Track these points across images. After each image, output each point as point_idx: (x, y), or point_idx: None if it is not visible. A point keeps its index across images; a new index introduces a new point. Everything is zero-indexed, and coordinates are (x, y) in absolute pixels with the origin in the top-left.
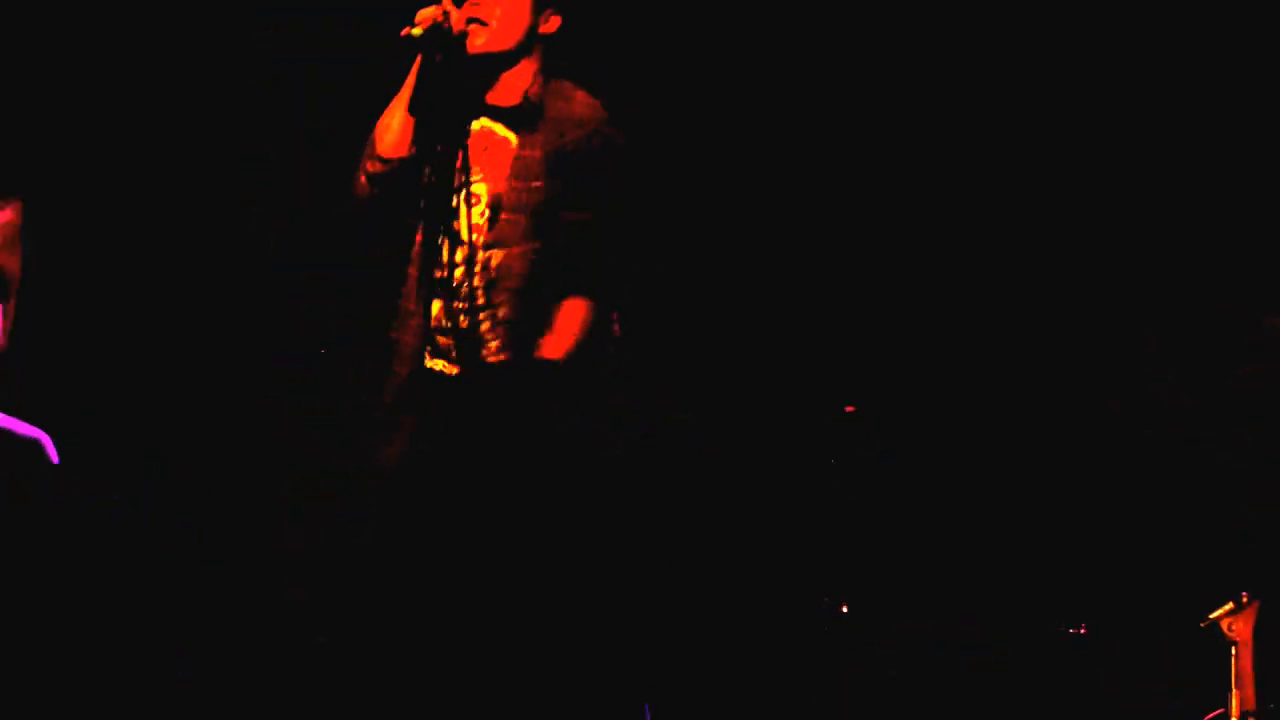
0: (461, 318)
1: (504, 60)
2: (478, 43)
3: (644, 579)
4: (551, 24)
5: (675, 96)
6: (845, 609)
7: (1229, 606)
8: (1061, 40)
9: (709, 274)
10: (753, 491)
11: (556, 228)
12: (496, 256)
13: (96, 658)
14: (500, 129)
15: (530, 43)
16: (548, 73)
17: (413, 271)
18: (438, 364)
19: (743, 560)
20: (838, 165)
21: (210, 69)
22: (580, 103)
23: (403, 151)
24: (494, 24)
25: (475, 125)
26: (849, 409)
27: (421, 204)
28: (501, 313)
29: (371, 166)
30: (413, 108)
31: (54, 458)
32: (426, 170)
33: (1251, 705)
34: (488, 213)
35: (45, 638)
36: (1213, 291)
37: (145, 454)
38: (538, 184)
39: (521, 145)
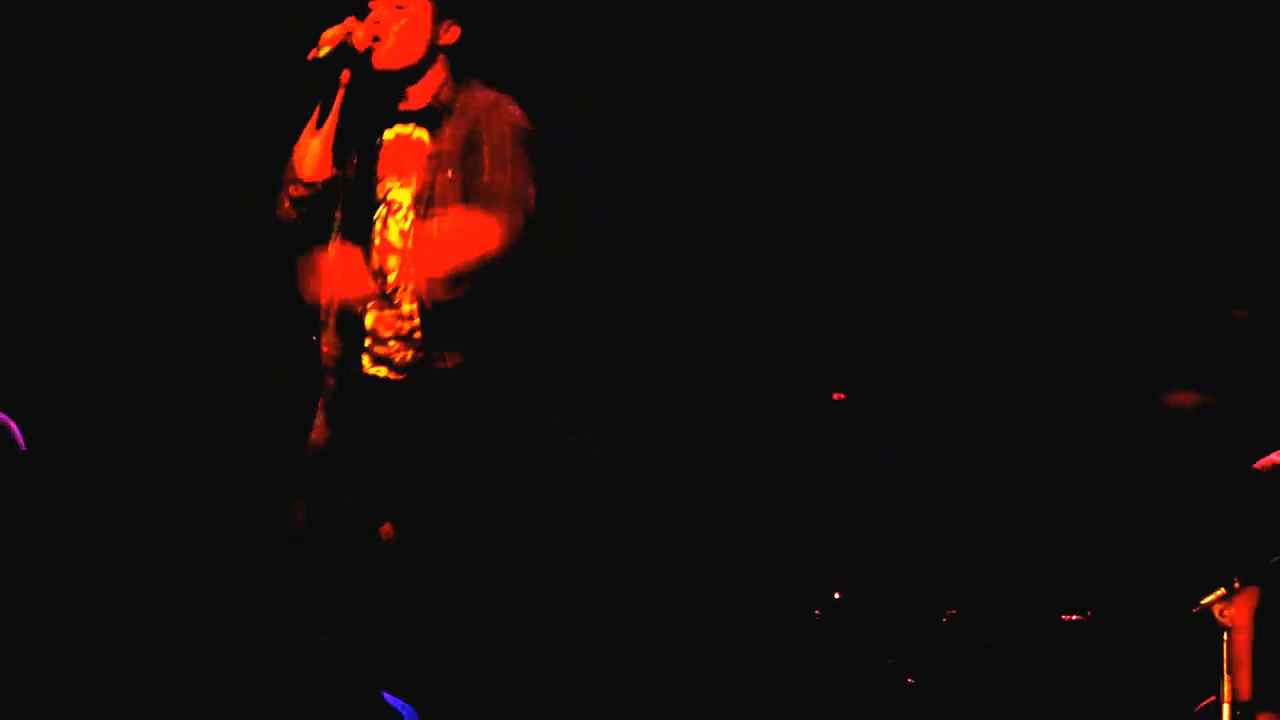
0: (401, 324)
1: (407, 74)
2: (380, 58)
3: (642, 577)
4: (452, 34)
5: (660, 92)
6: (838, 596)
7: (1220, 592)
8: (1061, 39)
9: (707, 274)
10: (751, 489)
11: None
12: None
13: (96, 657)
14: (415, 131)
15: (432, 54)
16: (454, 79)
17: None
18: (380, 370)
19: (741, 558)
20: (835, 163)
21: (209, 69)
22: (483, 93)
23: (325, 173)
24: (393, 39)
25: (389, 134)
26: (838, 395)
27: (338, 218)
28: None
29: (295, 191)
30: (338, 129)
31: (21, 443)
32: (341, 183)
33: (1246, 693)
34: (412, 215)
35: (44, 637)
36: (1213, 291)
37: (144, 453)
38: (453, 174)
39: (436, 140)
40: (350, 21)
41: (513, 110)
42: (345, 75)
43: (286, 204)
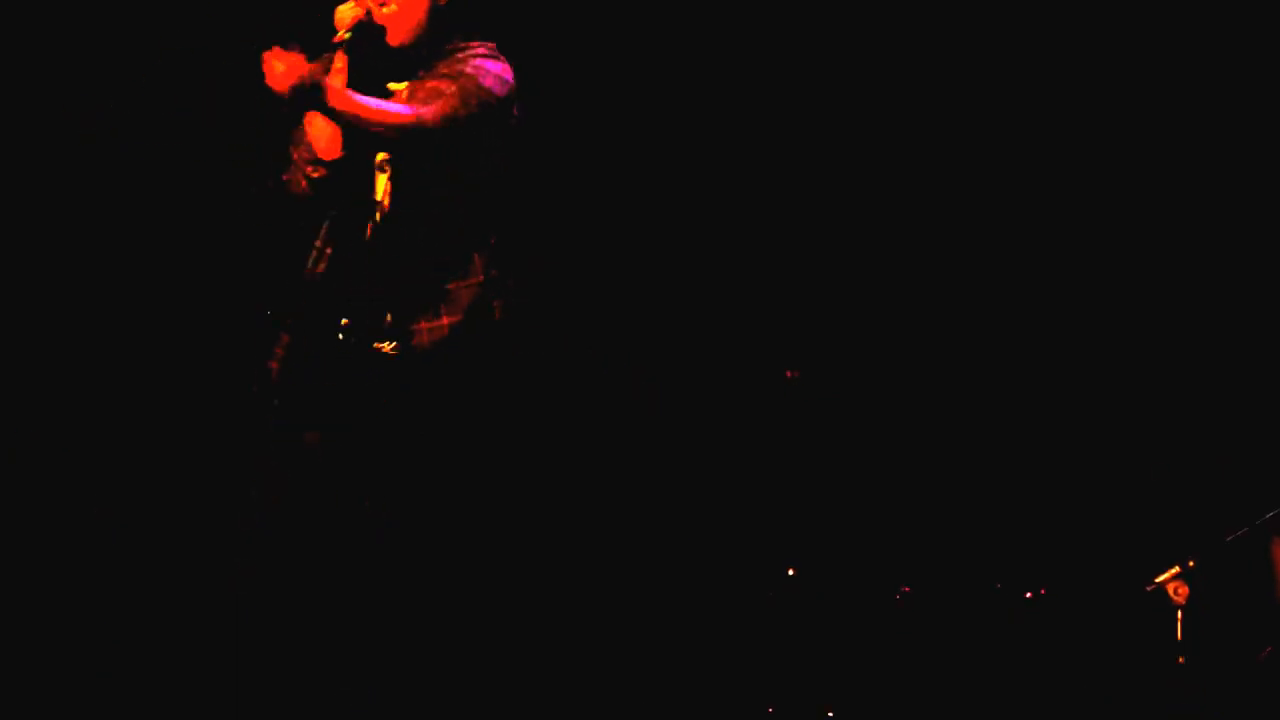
0: (379, 288)
1: (418, 43)
2: (390, 36)
3: (597, 557)
4: None
5: (621, 78)
6: (792, 573)
7: (1175, 570)
8: (1044, 33)
9: (663, 253)
10: (704, 467)
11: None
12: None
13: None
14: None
15: (433, 18)
16: (447, 37)
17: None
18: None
19: (695, 536)
20: (784, 142)
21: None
22: (477, 46)
23: (339, 151)
24: (397, 12)
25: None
26: (790, 374)
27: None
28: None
29: (315, 172)
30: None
31: None
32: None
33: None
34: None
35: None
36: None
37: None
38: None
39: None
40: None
41: (481, 50)
42: (340, 56)
43: (304, 184)
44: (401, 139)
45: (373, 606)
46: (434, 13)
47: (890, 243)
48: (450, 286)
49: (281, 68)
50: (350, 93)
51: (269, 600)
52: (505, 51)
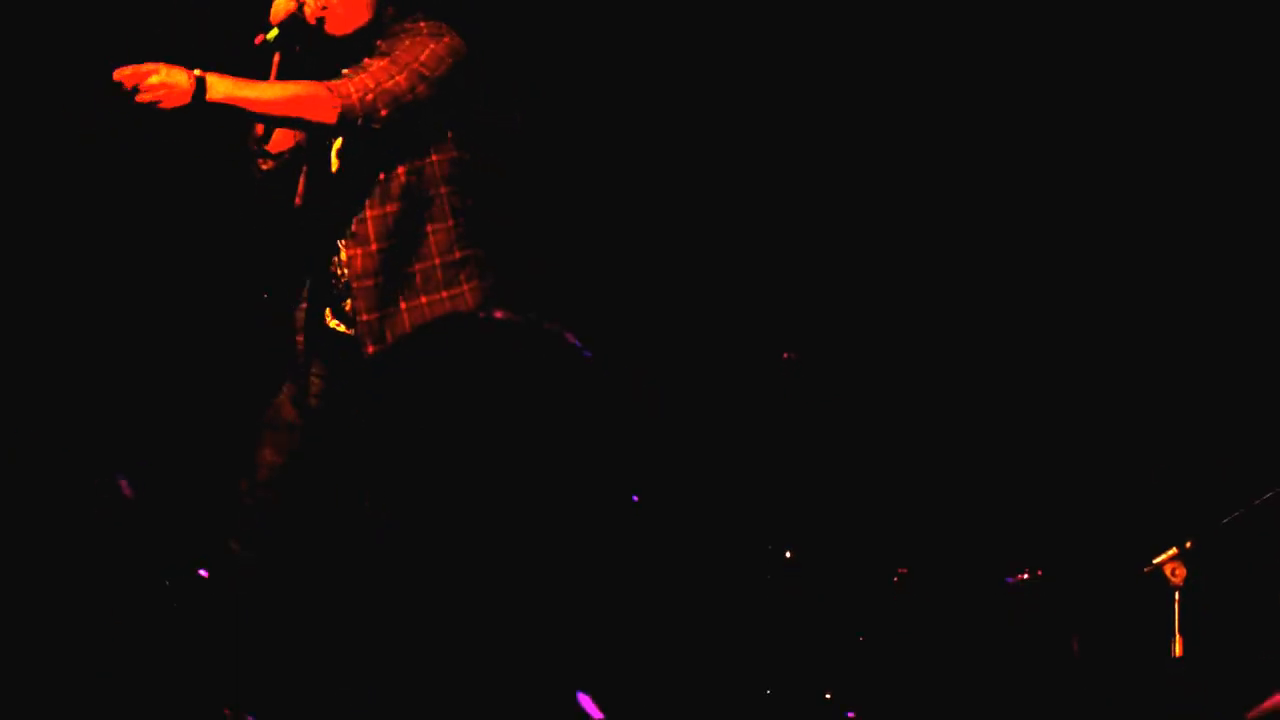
0: (343, 271)
1: (366, 31)
2: (332, 25)
3: (594, 542)
4: None
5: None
6: (789, 555)
7: (1172, 551)
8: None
9: (659, 234)
10: (703, 449)
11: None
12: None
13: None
14: None
15: (382, 4)
16: (396, 19)
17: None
18: (336, 324)
19: (693, 518)
20: (779, 127)
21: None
22: (426, 25)
23: (289, 143)
24: (340, 5)
25: None
26: (786, 355)
27: (302, 179)
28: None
29: (264, 164)
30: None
31: None
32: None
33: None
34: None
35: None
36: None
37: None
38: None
39: None
40: None
41: (424, 27)
42: (278, 57)
43: (259, 176)
44: (318, 119)
45: (371, 604)
46: (379, 2)
47: (886, 226)
48: (417, 266)
49: (159, 79)
50: (243, 83)
51: (267, 599)
52: (503, 46)
